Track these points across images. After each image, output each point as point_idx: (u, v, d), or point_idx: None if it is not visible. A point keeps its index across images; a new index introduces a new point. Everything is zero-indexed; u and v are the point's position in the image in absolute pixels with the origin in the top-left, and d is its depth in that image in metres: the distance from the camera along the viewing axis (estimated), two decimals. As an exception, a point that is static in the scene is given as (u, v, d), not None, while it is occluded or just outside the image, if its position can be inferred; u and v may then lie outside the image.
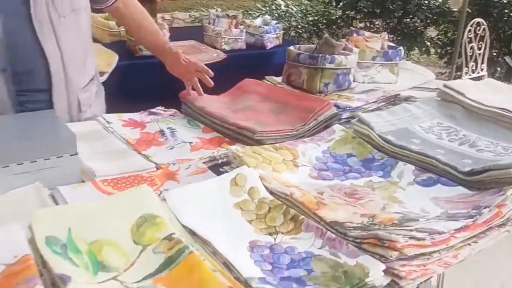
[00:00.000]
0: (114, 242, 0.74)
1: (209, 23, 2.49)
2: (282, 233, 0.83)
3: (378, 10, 4.13)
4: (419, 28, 4.30)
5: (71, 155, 0.98)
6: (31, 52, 1.29)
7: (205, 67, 1.51)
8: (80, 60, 1.42)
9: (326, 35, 1.63)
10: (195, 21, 5.85)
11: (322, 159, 1.13)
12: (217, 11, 2.61)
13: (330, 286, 0.69)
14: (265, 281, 0.69)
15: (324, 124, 1.30)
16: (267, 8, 4.16)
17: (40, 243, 0.70)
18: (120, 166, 1.07)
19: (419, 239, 0.73)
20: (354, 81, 1.64)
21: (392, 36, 4.18)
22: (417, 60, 5.17)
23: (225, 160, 1.13)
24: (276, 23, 2.67)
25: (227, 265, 0.72)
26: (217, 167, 1.10)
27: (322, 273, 0.72)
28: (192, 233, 0.80)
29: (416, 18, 4.17)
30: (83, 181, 1.00)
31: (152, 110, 1.44)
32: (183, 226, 0.81)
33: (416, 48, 4.35)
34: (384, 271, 0.71)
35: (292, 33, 4.31)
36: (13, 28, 1.25)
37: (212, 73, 1.51)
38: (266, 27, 2.56)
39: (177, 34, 2.54)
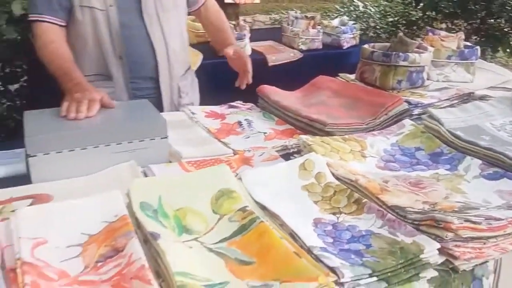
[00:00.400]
0: (197, 210, 0.86)
1: (288, 24, 2.59)
2: (345, 213, 0.90)
3: (460, 11, 3.97)
4: (505, 29, 4.08)
5: (162, 138, 1.12)
6: (141, 43, 1.49)
7: (248, 67, 1.65)
8: (180, 51, 1.61)
9: (401, 33, 1.65)
10: (275, 23, 5.98)
11: (390, 152, 1.17)
12: (296, 12, 2.70)
13: (386, 259, 0.75)
14: (325, 250, 0.76)
15: (395, 119, 1.34)
16: (345, 9, 4.17)
17: (135, 207, 0.83)
18: (202, 150, 1.19)
19: (474, 222, 0.77)
20: (428, 79, 1.65)
21: (475, 37, 4.00)
22: (505, 63, 4.89)
23: (296, 149, 1.22)
24: (353, 24, 2.71)
25: (293, 236, 0.81)
26: (288, 155, 1.18)
27: (379, 248, 0.78)
28: (263, 208, 0.89)
29: (500, 18, 3.96)
30: (170, 162, 1.13)
31: (232, 103, 1.56)
32: (255, 201, 0.91)
33: (501, 50, 4.12)
34: (439, 250, 0.76)
35: (371, 34, 4.28)
36: (127, 22, 1.47)
37: (250, 80, 1.66)
38: (343, 28, 2.61)
39: (257, 35, 2.67)
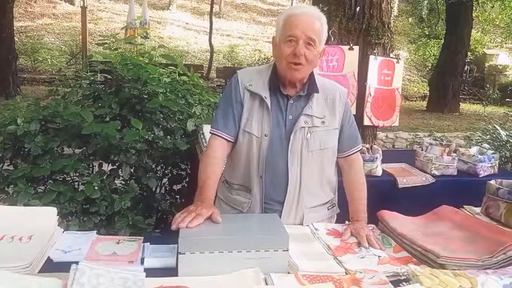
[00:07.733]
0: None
1: (422, 150, 2.69)
2: None
3: None
4: None
5: (283, 250, 1.31)
6: (279, 172, 1.71)
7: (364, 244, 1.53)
8: (315, 188, 1.77)
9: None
10: (419, 141, 5.97)
11: (502, 293, 1.18)
12: (431, 139, 2.79)
13: None
14: None
15: (514, 260, 1.33)
16: (488, 136, 4.05)
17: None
18: (317, 266, 1.35)
19: None
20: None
21: None
22: None
23: (406, 277, 1.29)
24: (493, 153, 2.69)
25: None
26: (398, 282, 1.26)
27: None
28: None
29: None
30: (288, 272, 1.30)
31: (354, 224, 1.70)
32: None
33: None
34: None
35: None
36: (274, 151, 1.71)
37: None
38: (480, 156, 2.61)
39: (389, 156, 2.79)
